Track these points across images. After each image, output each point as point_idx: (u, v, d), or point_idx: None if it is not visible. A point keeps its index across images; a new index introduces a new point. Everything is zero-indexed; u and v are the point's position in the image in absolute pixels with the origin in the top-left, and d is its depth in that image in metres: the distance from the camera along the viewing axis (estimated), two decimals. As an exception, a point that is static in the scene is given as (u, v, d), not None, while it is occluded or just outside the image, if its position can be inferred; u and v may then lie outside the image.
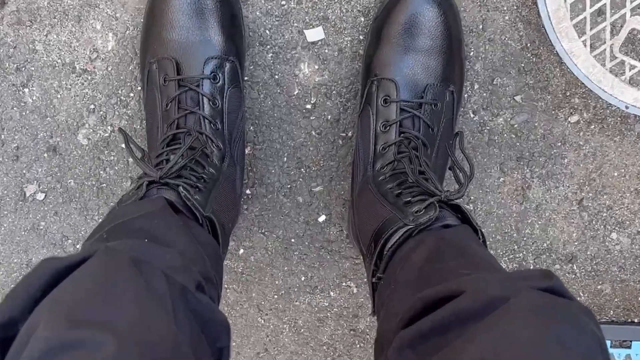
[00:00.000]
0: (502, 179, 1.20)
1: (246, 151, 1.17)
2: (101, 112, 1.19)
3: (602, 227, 1.24)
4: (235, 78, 1.10)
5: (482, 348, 0.63)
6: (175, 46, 1.08)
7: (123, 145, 1.18)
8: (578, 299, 0.96)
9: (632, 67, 1.09)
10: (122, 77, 1.17)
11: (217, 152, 1.05)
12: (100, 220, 1.15)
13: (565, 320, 0.65)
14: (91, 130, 1.19)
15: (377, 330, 0.89)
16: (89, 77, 1.17)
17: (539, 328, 0.63)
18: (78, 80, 1.17)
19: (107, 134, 1.20)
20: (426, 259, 0.86)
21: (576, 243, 1.25)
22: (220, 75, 1.08)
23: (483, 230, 0.94)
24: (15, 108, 1.17)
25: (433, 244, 0.88)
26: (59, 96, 1.17)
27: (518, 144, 1.18)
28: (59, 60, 1.15)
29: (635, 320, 1.30)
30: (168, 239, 0.84)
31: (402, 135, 1.06)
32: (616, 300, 1.29)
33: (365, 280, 1.23)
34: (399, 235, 0.94)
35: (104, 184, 1.22)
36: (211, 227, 0.98)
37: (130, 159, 1.16)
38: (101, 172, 1.21)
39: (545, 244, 1.25)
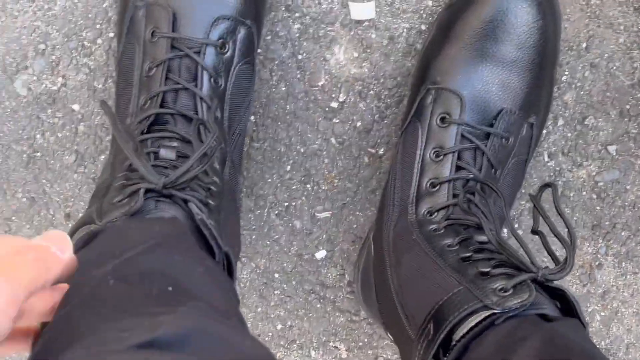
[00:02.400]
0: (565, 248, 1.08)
1: (240, 148, 1.14)
2: (53, 57, 1.07)
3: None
4: (249, 50, 1.01)
5: None
6: None
7: (106, 123, 1.13)
8: None
9: None
10: (90, 16, 1.05)
11: (218, 153, 0.98)
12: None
13: None
14: (35, 78, 1.08)
15: None
16: (46, 6, 1.06)
17: None
18: (30, 7, 1.06)
19: (55, 87, 1.08)
20: None
21: None
22: (230, 43, 0.98)
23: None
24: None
25: (541, 346, 0.77)
26: None
27: (599, 208, 1.11)
28: None
29: None
30: (193, 288, 0.75)
31: (459, 171, 0.97)
32: None
33: (360, 345, 1.18)
34: (475, 320, 0.83)
35: (38, 153, 1.10)
36: (227, 259, 0.91)
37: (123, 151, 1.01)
38: (38, 135, 1.10)
39: (603, 343, 1.15)
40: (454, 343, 0.82)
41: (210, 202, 0.89)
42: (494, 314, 0.79)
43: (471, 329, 0.81)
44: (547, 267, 0.82)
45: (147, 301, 0.68)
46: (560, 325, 0.78)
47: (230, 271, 0.90)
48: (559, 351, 0.73)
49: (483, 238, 0.91)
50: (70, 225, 1.10)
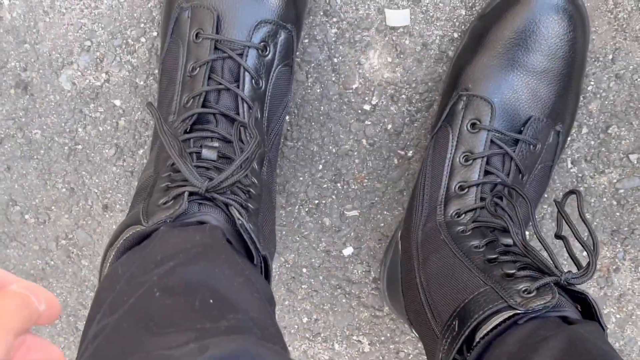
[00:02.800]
0: (585, 252, 1.11)
1: (275, 146, 1.14)
2: (98, 53, 1.10)
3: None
4: (288, 54, 1.02)
5: None
6: None
7: (151, 124, 1.14)
8: None
9: None
10: (135, 15, 1.08)
11: (258, 150, 0.99)
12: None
13: None
14: (79, 73, 1.10)
15: None
16: (93, 5, 1.08)
17: None
18: (77, 4, 1.07)
19: (99, 83, 1.10)
20: None
21: None
22: (271, 46, 1.00)
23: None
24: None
25: (563, 347, 0.79)
26: (47, 19, 1.08)
27: (618, 214, 1.12)
28: None
29: None
30: (233, 299, 0.77)
31: (488, 176, 0.99)
32: None
33: (382, 340, 1.19)
34: (499, 320, 0.84)
35: (80, 145, 1.12)
36: (265, 263, 0.93)
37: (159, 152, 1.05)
38: (80, 129, 1.12)
39: (617, 344, 1.17)
40: (477, 340, 0.83)
41: (250, 205, 0.90)
42: (517, 314, 0.81)
43: (494, 327, 0.82)
44: (569, 271, 0.83)
45: (191, 314, 0.71)
46: (581, 328, 0.80)
47: (267, 273, 0.91)
48: (579, 352, 0.75)
49: (509, 241, 0.93)
50: (107, 216, 1.12)
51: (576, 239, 0.88)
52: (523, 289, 0.84)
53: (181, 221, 0.85)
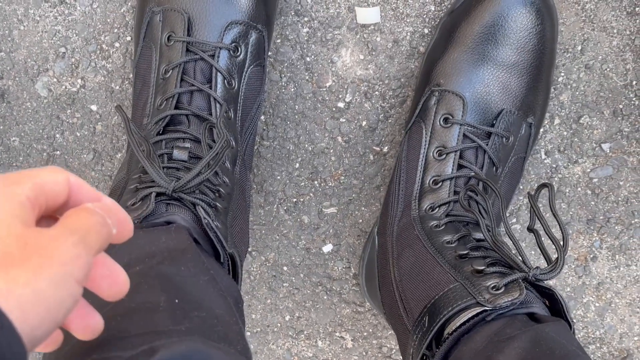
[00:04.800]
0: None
1: (252, 146, 1.17)
2: (73, 60, 1.13)
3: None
4: (260, 54, 1.05)
5: None
6: None
7: (122, 126, 1.18)
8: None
9: None
10: (108, 20, 1.11)
11: (229, 152, 1.02)
12: None
13: None
14: (55, 80, 1.14)
15: None
16: (66, 12, 1.12)
17: None
18: (51, 12, 1.11)
19: (75, 89, 1.14)
20: None
21: (636, 338, 1.22)
22: (242, 47, 1.03)
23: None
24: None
25: (527, 347, 0.81)
26: (22, 27, 1.12)
27: (593, 203, 1.16)
28: None
29: None
30: (198, 297, 0.81)
31: (461, 170, 1.02)
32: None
33: (364, 335, 1.23)
34: (467, 316, 0.86)
35: (58, 151, 1.16)
36: (232, 264, 0.95)
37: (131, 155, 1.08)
38: (57, 135, 1.16)
39: (598, 332, 1.21)
40: (446, 336, 0.87)
41: (218, 204, 0.93)
42: (485, 310, 0.84)
43: (463, 323, 0.85)
44: (538, 267, 0.86)
45: (154, 316, 0.74)
46: (547, 327, 0.83)
47: (235, 271, 0.94)
48: (543, 352, 0.79)
49: (480, 235, 0.96)
50: None
51: (546, 234, 0.91)
52: (492, 285, 0.86)
53: (148, 222, 0.88)
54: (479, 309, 0.85)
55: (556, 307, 0.88)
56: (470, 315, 0.85)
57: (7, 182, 0.57)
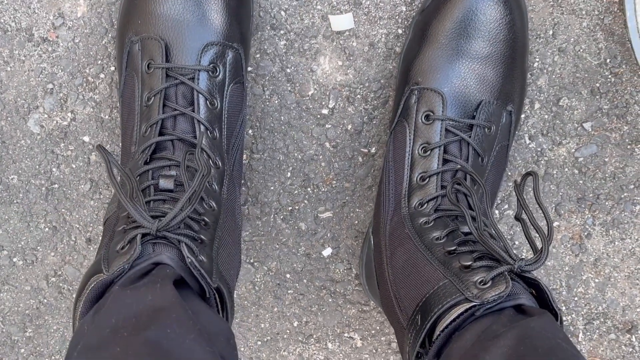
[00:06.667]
0: (556, 222, 1.21)
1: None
2: (61, 94, 1.17)
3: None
4: (238, 71, 1.09)
5: None
6: (167, 24, 1.06)
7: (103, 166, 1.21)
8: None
9: None
10: (91, 53, 1.16)
11: (215, 173, 1.04)
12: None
13: None
14: (46, 116, 1.17)
15: None
16: (50, 49, 1.16)
17: None
18: (35, 50, 1.16)
19: (65, 122, 1.18)
20: None
21: (639, 310, 1.24)
22: (220, 67, 1.06)
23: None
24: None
25: (512, 344, 0.84)
26: (8, 68, 1.16)
27: (581, 181, 1.19)
28: (13, 24, 1.15)
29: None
30: (187, 357, 0.85)
31: (446, 164, 1.04)
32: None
33: (372, 333, 1.26)
34: (457, 312, 0.89)
35: (56, 185, 1.19)
36: (218, 295, 0.97)
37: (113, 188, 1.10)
38: (54, 169, 1.19)
39: (600, 307, 1.24)
40: (438, 334, 0.90)
41: (202, 236, 0.95)
42: (474, 306, 0.87)
43: (454, 320, 0.88)
44: (523, 258, 0.88)
45: None
46: (532, 322, 0.85)
47: (222, 303, 0.97)
48: (528, 349, 0.81)
49: (467, 230, 0.99)
50: (92, 249, 1.18)
51: (531, 224, 0.93)
52: (479, 280, 0.89)
53: (136, 265, 0.90)
54: (467, 305, 0.87)
55: (543, 296, 0.90)
56: (459, 311, 0.88)
57: None
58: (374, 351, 1.26)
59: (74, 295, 1.15)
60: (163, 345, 0.82)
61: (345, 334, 1.27)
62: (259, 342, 1.28)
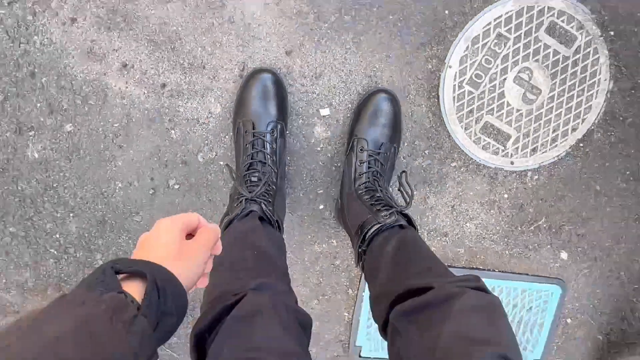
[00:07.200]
0: (416, 192, 2.08)
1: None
2: (211, 145, 1.86)
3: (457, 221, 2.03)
4: (282, 133, 1.67)
5: (456, 322, 0.97)
6: (253, 113, 1.63)
7: (229, 173, 1.74)
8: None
9: (485, 140, 1.91)
10: (223, 127, 1.81)
11: (274, 175, 1.57)
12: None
13: (493, 310, 1.01)
14: (207, 153, 1.84)
15: (374, 291, 1.26)
16: (206, 127, 1.83)
17: (480, 314, 0.99)
18: (200, 128, 1.84)
19: (213, 155, 1.86)
20: (396, 248, 1.27)
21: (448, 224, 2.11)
22: (276, 131, 1.63)
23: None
24: (166, 140, 1.86)
25: (398, 239, 1.30)
26: (187, 136, 1.85)
27: (423, 173, 1.95)
28: (191, 117, 1.82)
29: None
30: (266, 249, 1.22)
31: (369, 169, 1.69)
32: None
33: (347, 243, 2.03)
34: (375, 228, 1.42)
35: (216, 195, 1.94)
36: (278, 224, 1.46)
37: (233, 181, 1.65)
38: (210, 175, 1.93)
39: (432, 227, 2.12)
40: (367, 238, 1.41)
41: (270, 200, 1.44)
42: (383, 225, 1.38)
43: (375, 232, 1.39)
44: (401, 205, 1.42)
45: (251, 267, 1.15)
46: (407, 232, 1.34)
47: (279, 228, 1.43)
48: (404, 245, 1.27)
49: (379, 195, 1.52)
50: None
51: (404, 191, 1.48)
52: (384, 214, 1.39)
53: (243, 212, 1.35)
54: (378, 225, 1.37)
55: (411, 222, 1.44)
56: (376, 228, 1.39)
57: (173, 220, 0.84)
58: (348, 251, 2.09)
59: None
60: (255, 243, 1.23)
61: (331, 240, 2.04)
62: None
